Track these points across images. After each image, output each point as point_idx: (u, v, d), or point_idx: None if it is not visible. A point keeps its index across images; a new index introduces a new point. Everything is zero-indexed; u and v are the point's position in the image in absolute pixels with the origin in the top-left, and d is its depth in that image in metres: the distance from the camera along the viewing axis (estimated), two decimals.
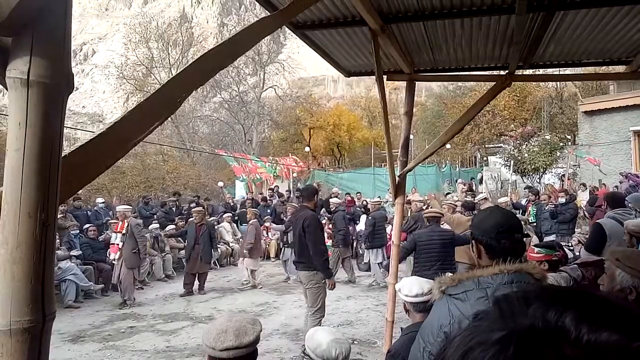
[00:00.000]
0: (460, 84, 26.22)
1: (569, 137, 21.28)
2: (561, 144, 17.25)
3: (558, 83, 24.02)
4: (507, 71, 4.43)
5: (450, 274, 1.99)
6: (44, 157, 0.88)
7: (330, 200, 11.20)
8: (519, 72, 4.74)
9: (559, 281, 3.29)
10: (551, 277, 3.26)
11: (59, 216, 9.62)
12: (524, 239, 2.09)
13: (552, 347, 0.33)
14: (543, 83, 23.35)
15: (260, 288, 8.88)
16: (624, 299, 2.25)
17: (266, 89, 30.64)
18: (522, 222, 7.43)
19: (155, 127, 1.41)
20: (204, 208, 12.46)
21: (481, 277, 1.74)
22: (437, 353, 0.41)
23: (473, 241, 1.96)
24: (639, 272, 2.11)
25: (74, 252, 8.39)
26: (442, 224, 6.26)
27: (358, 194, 15.16)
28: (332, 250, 9.23)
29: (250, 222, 9.27)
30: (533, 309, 0.37)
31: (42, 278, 0.88)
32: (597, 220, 4.42)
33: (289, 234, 9.22)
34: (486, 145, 25.22)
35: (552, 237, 8.45)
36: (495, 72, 4.87)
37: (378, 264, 8.89)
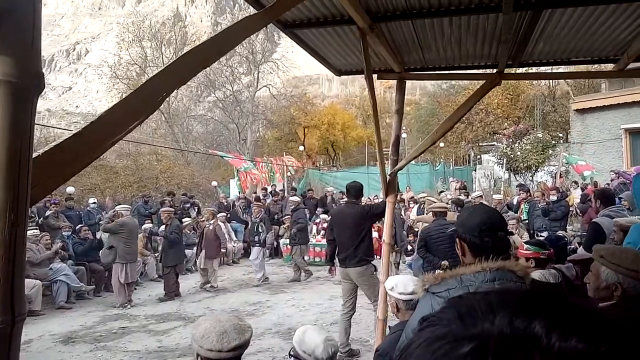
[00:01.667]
0: (453, 82, 26.28)
1: (561, 135, 21.41)
2: (553, 142, 17.36)
3: (551, 81, 24.16)
4: (496, 70, 4.45)
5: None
6: (12, 158, 0.87)
7: (290, 198, 10.95)
8: (510, 70, 4.77)
9: (547, 278, 3.30)
10: (539, 274, 3.29)
11: (52, 216, 9.61)
12: (509, 236, 2.10)
13: (524, 356, 0.32)
14: (536, 81, 23.48)
15: (214, 287, 8.72)
16: (608, 297, 2.27)
17: (260, 88, 30.58)
18: (515, 220, 7.49)
19: (135, 126, 1.40)
20: (198, 207, 12.45)
21: (464, 275, 1.75)
22: None
23: (457, 239, 1.98)
24: (624, 268, 2.13)
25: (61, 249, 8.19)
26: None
27: None
28: (294, 249, 9.31)
29: (209, 223, 9.05)
30: (500, 315, 0.35)
31: (12, 278, 0.87)
32: (594, 220, 4.44)
33: (260, 234, 9.09)
34: (480, 144, 25.33)
35: (544, 234, 8.51)
36: (485, 71, 4.89)
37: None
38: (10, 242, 0.86)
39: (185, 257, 9.14)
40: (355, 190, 5.41)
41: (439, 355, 0.34)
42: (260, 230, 9.22)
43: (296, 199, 10.66)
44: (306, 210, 11.56)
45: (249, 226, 10.08)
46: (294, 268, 9.40)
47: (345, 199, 5.57)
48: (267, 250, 9.44)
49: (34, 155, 1.07)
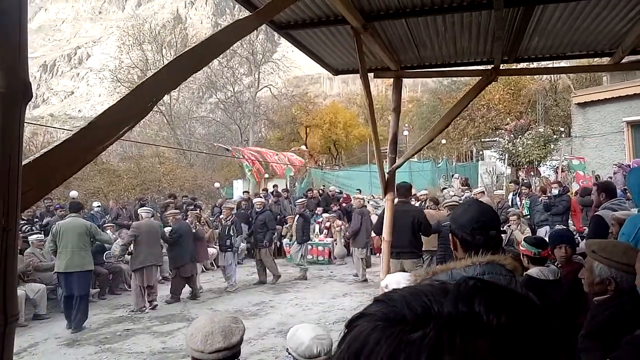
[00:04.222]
0: (455, 78, 26.21)
1: (563, 129, 21.33)
2: (555, 136, 17.29)
3: (552, 75, 24.07)
4: (492, 66, 4.47)
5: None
6: (2, 164, 0.90)
7: (255, 200, 10.59)
8: (510, 65, 4.78)
9: (546, 275, 3.34)
10: (538, 271, 3.32)
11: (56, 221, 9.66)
12: (501, 235, 2.12)
13: (475, 332, 0.38)
14: (537, 76, 23.39)
15: (201, 293, 8.59)
16: (602, 291, 2.28)
17: (261, 89, 30.63)
18: (516, 216, 7.50)
19: (126, 131, 1.44)
20: (200, 209, 12.47)
21: (454, 269, 1.77)
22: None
23: (450, 234, 2.00)
24: (616, 262, 2.13)
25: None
26: None
27: (357, 191, 15.23)
28: (263, 251, 9.27)
29: (192, 226, 8.83)
30: (446, 301, 0.41)
31: (4, 281, 0.90)
32: (597, 213, 4.45)
33: (232, 238, 8.94)
34: (482, 140, 25.26)
35: (545, 229, 8.51)
36: (481, 67, 4.90)
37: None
38: (2, 245, 0.90)
39: (193, 259, 8.89)
40: (404, 190, 5.89)
41: (399, 339, 0.39)
42: (232, 234, 8.93)
43: (261, 200, 10.41)
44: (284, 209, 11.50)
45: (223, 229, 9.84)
46: (258, 270, 9.33)
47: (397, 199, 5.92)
48: (238, 255, 9.27)
49: (26, 161, 1.10)
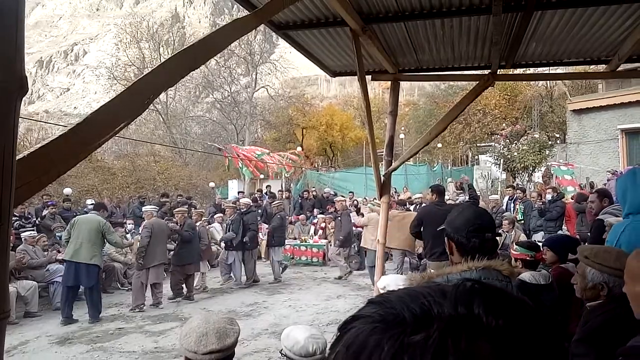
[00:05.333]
0: (452, 83, 26.33)
1: (558, 135, 21.43)
2: (550, 142, 17.38)
3: (548, 82, 24.20)
4: (489, 71, 4.49)
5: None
6: None
7: (241, 200, 10.25)
8: (507, 71, 4.81)
9: (537, 279, 3.36)
10: (530, 275, 3.33)
11: (49, 218, 9.62)
12: (496, 237, 2.12)
13: (475, 333, 0.38)
14: (533, 82, 23.52)
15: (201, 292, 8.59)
16: (594, 297, 2.29)
17: (258, 89, 30.56)
18: (508, 221, 7.53)
19: (122, 128, 1.42)
20: (195, 208, 12.42)
21: (450, 274, 1.77)
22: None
23: (446, 238, 2.00)
24: (608, 267, 2.14)
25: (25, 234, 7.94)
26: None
27: (350, 194, 15.24)
28: (246, 254, 9.23)
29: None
30: (446, 302, 0.41)
31: None
32: (598, 217, 4.47)
33: (235, 237, 8.92)
34: (477, 144, 25.35)
35: (539, 234, 8.54)
36: (478, 72, 4.92)
37: (278, 261, 9.57)
38: None
39: (200, 257, 8.71)
40: (439, 190, 5.93)
41: (400, 341, 0.38)
42: (230, 232, 8.91)
43: (247, 200, 10.20)
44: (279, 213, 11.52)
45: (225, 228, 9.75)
46: (247, 275, 9.22)
47: (435, 199, 5.84)
48: (240, 253, 9.16)
49: (20, 156, 1.09)
